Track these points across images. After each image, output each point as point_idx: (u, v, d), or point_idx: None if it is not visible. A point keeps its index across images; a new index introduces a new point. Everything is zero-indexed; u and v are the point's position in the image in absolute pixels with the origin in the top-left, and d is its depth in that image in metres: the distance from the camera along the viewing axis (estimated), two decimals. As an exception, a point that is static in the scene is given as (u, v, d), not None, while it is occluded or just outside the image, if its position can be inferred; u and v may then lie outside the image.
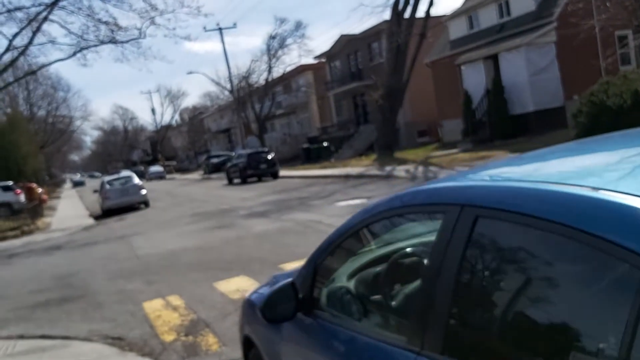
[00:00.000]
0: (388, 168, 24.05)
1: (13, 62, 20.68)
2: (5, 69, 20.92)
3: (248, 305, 3.53)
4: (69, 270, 11.33)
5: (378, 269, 2.66)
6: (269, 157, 32.45)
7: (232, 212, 16.92)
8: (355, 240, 2.73)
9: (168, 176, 67.32)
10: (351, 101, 44.38)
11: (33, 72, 21.47)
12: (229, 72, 47.47)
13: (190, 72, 52.62)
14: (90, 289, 9.26)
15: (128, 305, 7.74)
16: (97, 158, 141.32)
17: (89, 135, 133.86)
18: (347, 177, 24.31)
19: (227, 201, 21.52)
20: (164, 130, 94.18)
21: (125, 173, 30.27)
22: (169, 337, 6.02)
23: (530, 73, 25.05)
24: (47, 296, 9.21)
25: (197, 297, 7.52)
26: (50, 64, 21.29)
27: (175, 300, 7.56)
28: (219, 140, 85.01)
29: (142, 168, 78.54)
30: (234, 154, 61.94)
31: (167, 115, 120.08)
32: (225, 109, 77.88)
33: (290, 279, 2.77)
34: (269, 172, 32.08)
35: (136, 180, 26.43)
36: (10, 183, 30.97)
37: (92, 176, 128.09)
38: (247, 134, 71.33)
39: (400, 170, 22.17)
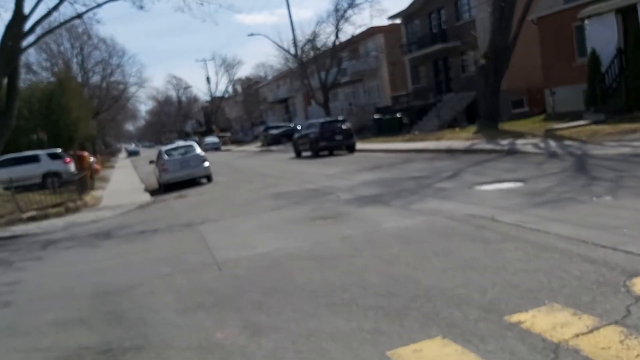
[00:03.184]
0: (504, 142, 19.63)
1: (58, 5, 17.07)
2: (48, 13, 17.34)
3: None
4: (118, 283, 7.54)
5: None
6: (345, 127, 28.31)
7: (328, 195, 12.92)
8: None
9: (223, 147, 64.21)
10: (431, 67, 39.58)
11: (79, 16, 17.80)
12: (293, 34, 43.34)
13: (252, 34, 48.44)
14: (151, 332, 5.40)
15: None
16: (151, 128, 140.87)
17: (144, 104, 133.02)
18: (450, 151, 20.08)
19: (308, 178, 17.55)
20: (218, 101, 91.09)
21: (185, 142, 26.74)
22: None
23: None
24: (77, 340, 5.43)
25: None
26: (99, 5, 17.41)
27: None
28: (276, 110, 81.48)
29: (196, 139, 75.79)
30: (293, 124, 58.46)
31: (222, 85, 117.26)
32: (283, 77, 74.04)
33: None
34: (345, 144, 27.97)
35: (198, 150, 22.77)
36: (59, 150, 27.92)
37: (146, 146, 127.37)
38: (306, 104, 67.43)
39: (524, 145, 17.75)
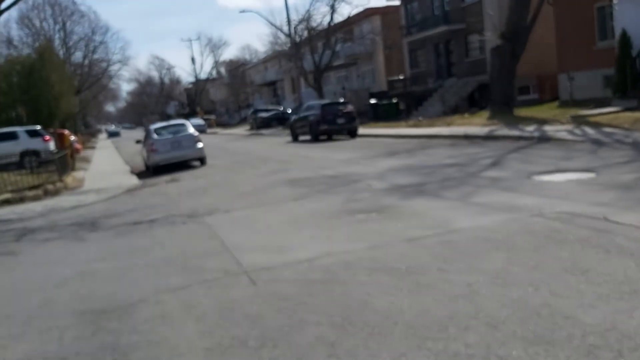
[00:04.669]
0: (529, 129, 17.92)
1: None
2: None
3: None
4: (114, 297, 5.63)
5: None
6: (348, 110, 26.39)
7: (355, 183, 11.06)
8: None
9: (209, 130, 61.80)
10: (432, 50, 37.70)
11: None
12: (287, 12, 41.09)
13: (243, 11, 45.82)
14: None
15: None
16: (132, 110, 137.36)
17: (126, 82, 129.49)
18: (468, 137, 18.36)
19: (320, 163, 15.67)
20: (203, 83, 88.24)
21: (177, 120, 24.65)
22: None
23: None
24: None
25: None
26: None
27: None
28: (263, 93, 79.08)
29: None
30: (282, 108, 56.30)
31: (207, 66, 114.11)
32: (271, 59, 71.68)
33: None
34: (347, 128, 26.09)
35: (191, 129, 20.68)
36: (38, 127, 25.61)
37: (126, 128, 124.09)
38: (294, 88, 65.19)
39: (556, 132, 16.06)
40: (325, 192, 10.45)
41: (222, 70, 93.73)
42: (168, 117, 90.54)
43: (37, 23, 53.47)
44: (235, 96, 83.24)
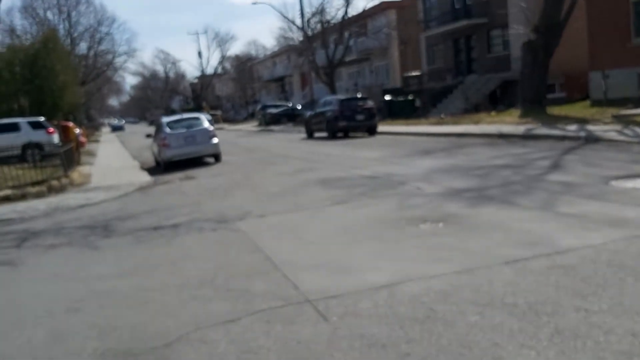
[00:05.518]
0: (571, 128, 16.67)
1: None
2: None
3: None
4: (144, 330, 4.41)
5: None
6: (368, 106, 25.12)
7: (400, 186, 9.80)
8: None
9: (215, 126, 60.38)
10: (451, 45, 36.38)
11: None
12: (301, 4, 39.79)
13: (255, 3, 44.39)
14: None
15: None
16: (136, 104, 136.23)
17: (131, 75, 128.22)
18: (503, 136, 17.15)
19: (348, 162, 14.43)
20: (209, 78, 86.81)
21: (191, 114, 23.41)
22: None
23: None
24: None
25: None
26: None
27: None
28: (271, 89, 77.84)
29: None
30: (291, 104, 54.95)
31: (213, 61, 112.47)
32: (279, 55, 70.40)
33: None
34: (367, 125, 24.83)
35: (206, 124, 19.43)
36: (42, 119, 24.35)
37: (130, 122, 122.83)
38: (303, 84, 63.88)
39: (604, 132, 14.81)
40: (368, 195, 9.18)
41: (228, 65, 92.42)
42: (172, 112, 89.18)
43: (41, 12, 52.27)
44: (242, 91, 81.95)
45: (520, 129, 18.29)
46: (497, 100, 29.75)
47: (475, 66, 34.27)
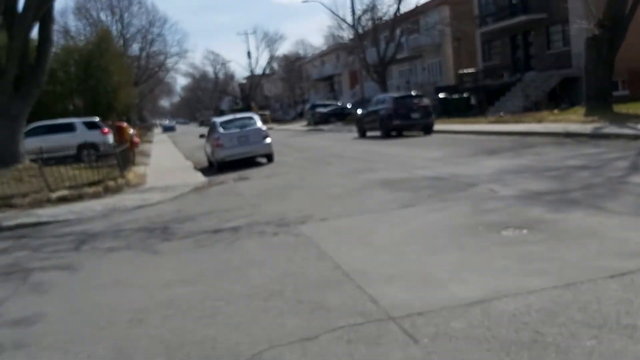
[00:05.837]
0: (644, 126, 15.67)
1: None
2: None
3: None
4: (210, 345, 4.06)
5: None
6: (423, 104, 24.45)
7: (471, 188, 9.21)
8: None
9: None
10: (508, 42, 35.22)
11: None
12: (352, 2, 39.27)
13: (306, 1, 44.13)
14: None
15: None
16: (186, 105, 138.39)
17: (181, 75, 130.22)
18: (570, 135, 16.33)
19: (407, 162, 13.88)
20: (257, 78, 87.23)
21: (243, 114, 23.28)
22: None
23: None
24: None
25: None
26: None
27: None
28: (319, 88, 77.57)
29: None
30: (340, 103, 54.49)
31: (262, 61, 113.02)
32: (328, 54, 70.06)
33: None
34: (422, 123, 24.15)
35: (259, 123, 19.18)
36: (97, 119, 24.65)
37: (180, 123, 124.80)
38: (352, 83, 63.32)
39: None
40: (437, 197, 8.64)
41: (276, 65, 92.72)
42: (221, 113, 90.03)
43: (95, 14, 53.48)
44: (290, 91, 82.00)
45: (588, 127, 17.35)
46: (556, 98, 28.56)
47: (534, 63, 33.05)
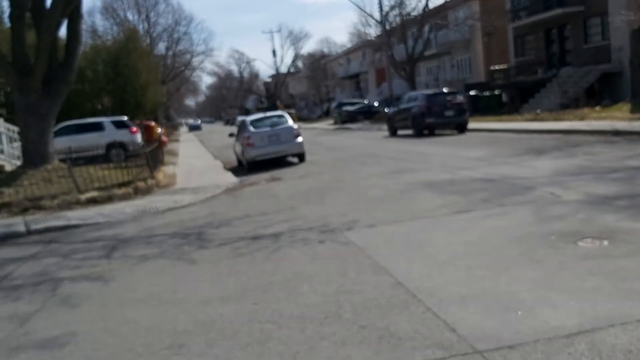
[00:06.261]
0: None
1: None
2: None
3: None
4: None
5: None
6: (457, 101, 23.66)
7: (528, 191, 8.52)
8: None
9: (291, 124, 59.88)
10: (542, 37, 34.13)
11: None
12: (380, -2, 38.49)
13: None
14: None
15: None
16: (211, 104, 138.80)
17: (207, 74, 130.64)
18: (618, 134, 15.55)
19: (448, 162, 13.19)
20: (283, 76, 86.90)
21: (274, 112, 22.78)
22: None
23: None
24: None
25: None
26: None
27: None
28: (345, 87, 76.88)
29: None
30: (367, 101, 53.76)
31: (287, 59, 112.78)
32: (354, 51, 69.35)
33: None
34: (457, 122, 23.38)
35: (290, 122, 18.65)
36: (125, 118, 24.37)
37: (205, 121, 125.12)
38: (378, 81, 62.47)
39: None
40: (493, 202, 7.96)
41: (301, 63, 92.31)
42: (247, 111, 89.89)
43: (122, 13, 53.62)
44: (315, 89, 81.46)
45: (637, 125, 16.47)
46: (595, 95, 27.49)
47: (570, 58, 31.93)
